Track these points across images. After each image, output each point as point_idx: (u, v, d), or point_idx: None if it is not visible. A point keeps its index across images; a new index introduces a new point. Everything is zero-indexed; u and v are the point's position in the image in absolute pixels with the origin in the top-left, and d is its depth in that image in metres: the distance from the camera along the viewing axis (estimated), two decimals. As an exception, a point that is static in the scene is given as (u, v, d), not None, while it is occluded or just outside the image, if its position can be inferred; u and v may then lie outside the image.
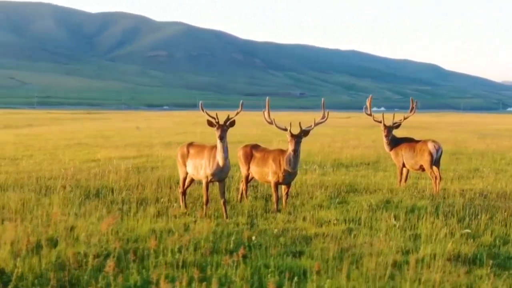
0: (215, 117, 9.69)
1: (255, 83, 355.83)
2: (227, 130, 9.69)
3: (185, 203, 10.62)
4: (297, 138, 10.03)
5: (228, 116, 9.76)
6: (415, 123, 46.90)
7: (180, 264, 6.94)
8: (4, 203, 10.26)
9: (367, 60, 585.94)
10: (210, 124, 9.76)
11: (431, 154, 12.48)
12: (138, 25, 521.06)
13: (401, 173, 13.19)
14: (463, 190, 12.52)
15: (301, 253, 7.62)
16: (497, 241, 8.52)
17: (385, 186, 12.97)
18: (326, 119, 10.60)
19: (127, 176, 13.68)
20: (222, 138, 9.59)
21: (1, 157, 19.04)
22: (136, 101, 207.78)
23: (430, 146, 12.57)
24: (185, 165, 10.50)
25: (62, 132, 35.15)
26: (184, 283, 6.24)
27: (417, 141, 13.01)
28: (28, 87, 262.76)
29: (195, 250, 7.49)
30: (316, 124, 10.37)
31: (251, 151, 10.96)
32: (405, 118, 13.32)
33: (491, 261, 7.32)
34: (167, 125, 47.22)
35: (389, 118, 13.29)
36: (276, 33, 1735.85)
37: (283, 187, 10.63)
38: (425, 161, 12.53)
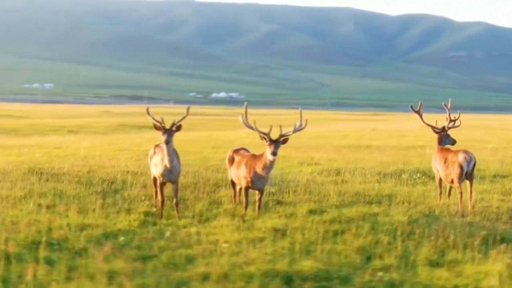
0: (161, 121, 9.82)
1: None
2: (173, 135, 9.84)
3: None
4: (276, 143, 9.75)
5: (174, 120, 9.85)
6: None
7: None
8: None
9: None
10: (156, 128, 9.91)
11: (461, 166, 10.94)
12: (438, 26, 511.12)
13: (440, 185, 11.78)
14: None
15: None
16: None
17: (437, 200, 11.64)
18: (304, 127, 10.16)
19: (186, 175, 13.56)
20: (167, 142, 9.73)
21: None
22: (428, 102, 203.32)
23: (461, 157, 11.00)
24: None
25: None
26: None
27: (451, 151, 11.47)
28: (325, 89, 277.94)
29: (61, 250, 7.64)
30: (294, 131, 9.97)
31: (233, 154, 10.84)
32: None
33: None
34: (408, 127, 44.72)
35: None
36: None
37: (256, 193, 10.34)
38: (454, 174, 11.06)
